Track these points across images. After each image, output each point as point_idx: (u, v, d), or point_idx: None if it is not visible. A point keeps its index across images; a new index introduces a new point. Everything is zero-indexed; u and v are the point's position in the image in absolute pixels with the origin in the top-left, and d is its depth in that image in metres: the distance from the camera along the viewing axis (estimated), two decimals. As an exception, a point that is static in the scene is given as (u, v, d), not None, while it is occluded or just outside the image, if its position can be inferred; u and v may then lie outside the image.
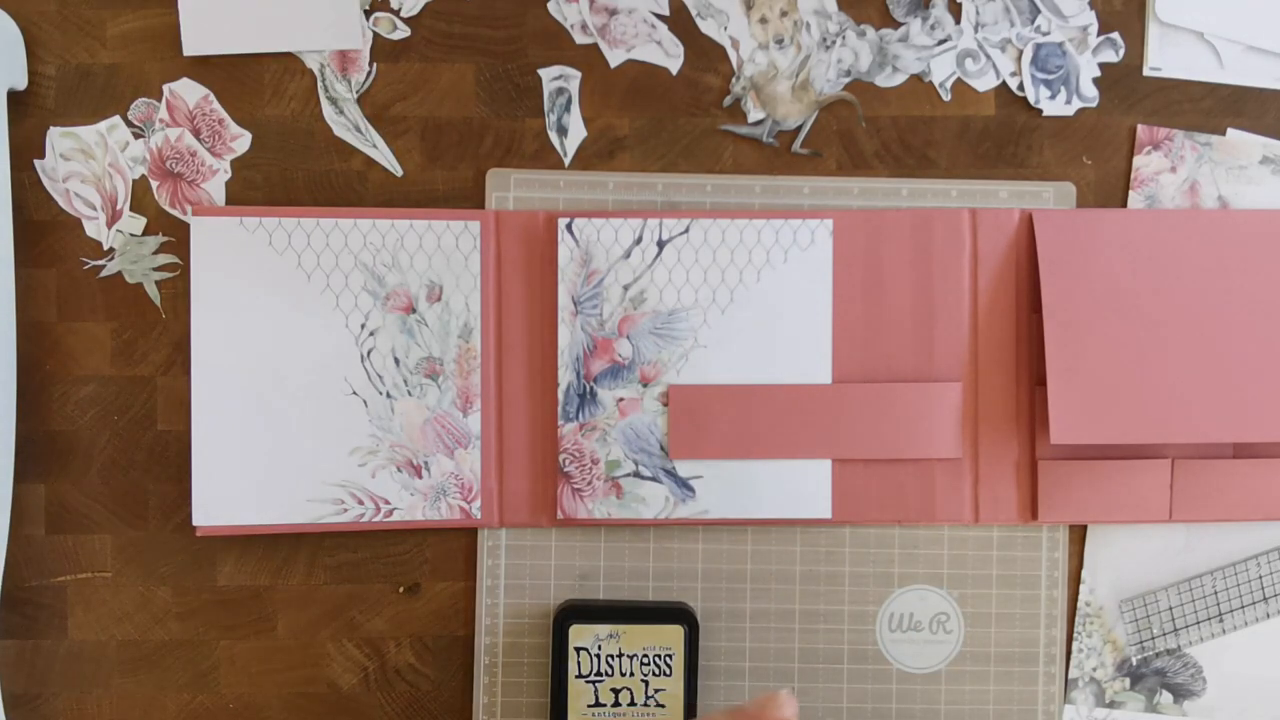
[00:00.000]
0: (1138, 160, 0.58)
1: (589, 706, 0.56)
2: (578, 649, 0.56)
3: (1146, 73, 0.59)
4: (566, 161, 0.58)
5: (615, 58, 0.58)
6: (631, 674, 0.56)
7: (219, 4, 0.57)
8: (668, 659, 0.56)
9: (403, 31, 0.58)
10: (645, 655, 0.56)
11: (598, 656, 0.56)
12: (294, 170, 0.58)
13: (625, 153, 0.58)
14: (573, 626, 0.56)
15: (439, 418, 0.57)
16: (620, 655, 0.56)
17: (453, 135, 0.58)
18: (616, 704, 0.56)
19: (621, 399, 0.57)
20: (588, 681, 0.56)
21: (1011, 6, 0.58)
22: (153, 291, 0.58)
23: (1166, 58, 0.58)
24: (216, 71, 0.58)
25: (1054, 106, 0.58)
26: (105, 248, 0.57)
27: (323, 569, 0.58)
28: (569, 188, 0.58)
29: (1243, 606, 0.58)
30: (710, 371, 0.57)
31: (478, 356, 0.57)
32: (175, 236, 0.57)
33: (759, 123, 0.58)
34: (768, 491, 0.57)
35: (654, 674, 0.56)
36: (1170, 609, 0.58)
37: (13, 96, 0.56)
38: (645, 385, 0.57)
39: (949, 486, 0.57)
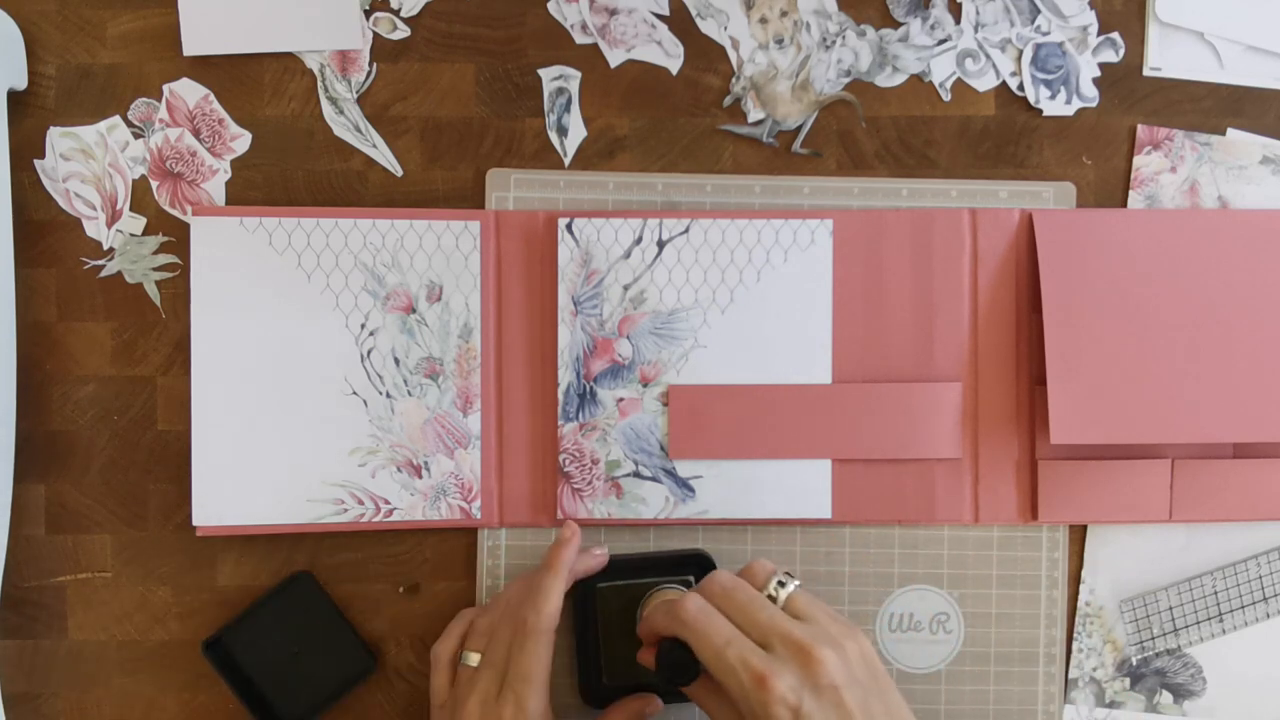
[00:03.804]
0: (1138, 160, 0.58)
1: None
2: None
3: (1146, 73, 0.59)
4: (566, 161, 0.58)
5: (615, 58, 0.58)
6: None
7: (219, 4, 0.57)
8: None
9: (403, 31, 0.58)
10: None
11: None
12: (294, 170, 0.58)
13: (625, 153, 0.58)
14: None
15: (439, 418, 0.57)
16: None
17: (453, 135, 0.58)
18: None
19: (621, 399, 0.57)
20: None
21: (1011, 6, 0.58)
22: (153, 291, 0.58)
23: (1166, 58, 0.58)
24: (216, 71, 0.58)
25: (1054, 106, 0.58)
26: (105, 248, 0.57)
27: (323, 569, 0.58)
28: (569, 188, 0.58)
29: (1243, 606, 0.58)
30: (710, 371, 0.57)
31: (478, 356, 0.57)
32: (175, 236, 0.57)
33: (759, 123, 0.58)
34: (768, 491, 0.57)
35: None
36: (1170, 609, 0.58)
37: (13, 96, 0.56)
38: (645, 385, 0.57)
39: (949, 486, 0.57)
